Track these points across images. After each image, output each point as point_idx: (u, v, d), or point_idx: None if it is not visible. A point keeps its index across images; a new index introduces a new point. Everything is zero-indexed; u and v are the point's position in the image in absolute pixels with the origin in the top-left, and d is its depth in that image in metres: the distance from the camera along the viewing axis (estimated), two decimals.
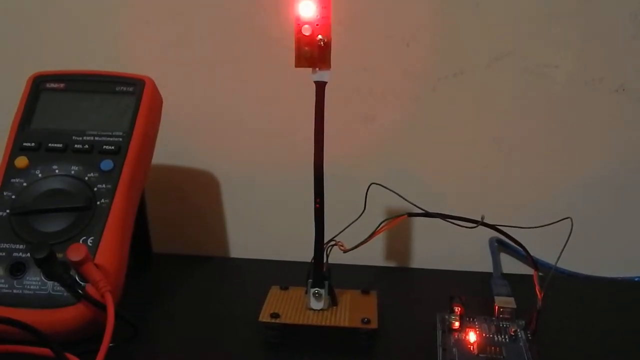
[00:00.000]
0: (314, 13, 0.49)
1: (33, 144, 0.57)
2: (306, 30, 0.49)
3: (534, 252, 0.56)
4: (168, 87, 0.62)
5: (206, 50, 0.69)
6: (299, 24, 0.49)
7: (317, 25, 0.49)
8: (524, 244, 0.54)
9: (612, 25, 0.64)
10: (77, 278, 0.50)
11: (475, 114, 0.68)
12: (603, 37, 0.65)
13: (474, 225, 0.52)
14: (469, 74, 0.67)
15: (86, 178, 0.55)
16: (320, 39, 0.49)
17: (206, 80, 0.69)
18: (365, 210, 0.55)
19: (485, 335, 0.54)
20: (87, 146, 0.57)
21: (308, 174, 0.53)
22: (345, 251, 0.54)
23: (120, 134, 0.57)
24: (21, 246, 0.52)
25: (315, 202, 0.53)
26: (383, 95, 0.68)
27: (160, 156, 0.63)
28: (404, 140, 0.69)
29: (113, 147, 0.56)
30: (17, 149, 0.57)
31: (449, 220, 0.52)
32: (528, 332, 0.54)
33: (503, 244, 0.69)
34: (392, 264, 0.72)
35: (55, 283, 0.50)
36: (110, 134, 0.57)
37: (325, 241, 0.54)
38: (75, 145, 0.57)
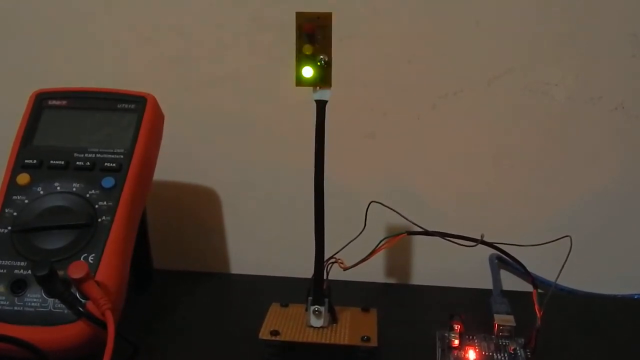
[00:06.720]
0: (314, 33, 0.49)
1: (35, 161, 0.57)
2: (307, 50, 0.49)
3: (534, 269, 0.56)
4: (170, 104, 0.62)
5: (208, 67, 0.69)
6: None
7: (317, 45, 0.49)
8: (523, 261, 0.54)
9: (611, 44, 0.65)
10: (77, 295, 0.50)
11: (475, 132, 0.68)
12: (602, 56, 0.65)
13: (473, 244, 0.52)
14: (469, 92, 0.67)
15: (87, 195, 0.55)
16: (321, 59, 0.49)
17: (208, 96, 0.70)
18: (365, 228, 0.55)
19: (485, 353, 0.54)
20: (88, 163, 0.57)
21: (309, 191, 0.53)
22: (345, 269, 0.54)
23: (122, 151, 0.57)
24: (22, 263, 0.52)
25: (316, 219, 0.53)
26: (383, 113, 0.68)
27: (162, 172, 0.63)
28: (404, 158, 0.69)
29: (114, 165, 0.57)
30: (19, 165, 0.57)
31: (448, 239, 0.52)
32: (527, 350, 0.54)
33: (503, 261, 0.69)
34: (392, 281, 0.72)
35: (56, 300, 0.50)
36: (111, 151, 0.57)
37: (326, 258, 0.55)
38: (77, 163, 0.57)
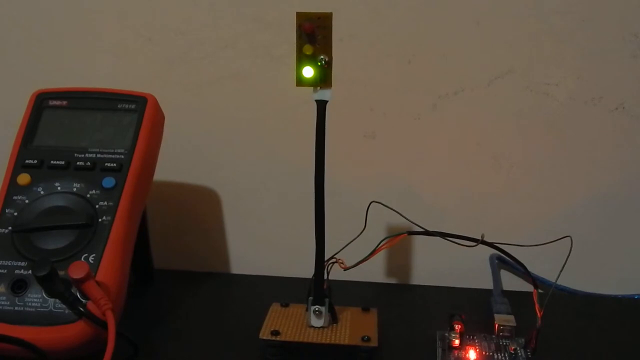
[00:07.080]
0: (315, 33, 0.49)
1: (35, 161, 0.57)
2: (307, 50, 0.49)
3: (534, 269, 0.56)
4: (170, 104, 0.62)
5: (208, 67, 0.69)
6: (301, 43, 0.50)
7: (318, 45, 0.49)
8: (524, 261, 0.55)
9: (612, 44, 0.65)
10: (78, 295, 0.50)
11: (476, 132, 0.68)
12: (603, 56, 0.65)
13: (474, 244, 0.52)
14: (470, 92, 0.67)
15: (88, 195, 0.55)
16: (322, 59, 0.49)
17: (208, 96, 0.70)
18: (366, 228, 0.55)
19: (485, 353, 0.54)
20: (89, 163, 0.57)
21: (309, 190, 0.53)
22: (345, 269, 0.54)
23: (122, 151, 0.57)
24: (23, 263, 0.52)
25: (316, 219, 0.53)
26: (384, 113, 0.68)
27: (162, 172, 0.63)
28: (404, 158, 0.69)
29: (115, 165, 0.57)
30: (19, 166, 0.57)
31: (449, 239, 0.52)
32: (528, 350, 0.54)
33: (503, 261, 0.69)
34: (392, 281, 0.72)
35: (57, 300, 0.50)
36: (112, 151, 0.57)
37: (326, 258, 0.55)
38: (78, 163, 0.57)
